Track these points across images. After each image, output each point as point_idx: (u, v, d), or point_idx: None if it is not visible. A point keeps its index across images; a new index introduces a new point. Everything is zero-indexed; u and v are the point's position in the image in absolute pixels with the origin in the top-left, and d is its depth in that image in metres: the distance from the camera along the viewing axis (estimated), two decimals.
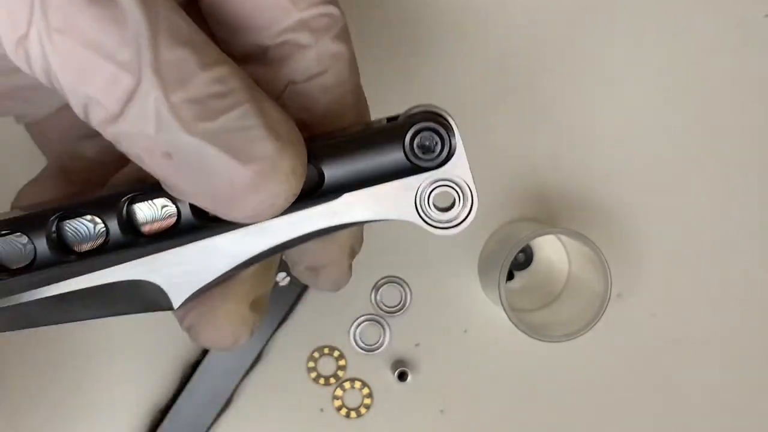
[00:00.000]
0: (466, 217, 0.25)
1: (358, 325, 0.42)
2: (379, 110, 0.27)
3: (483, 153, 0.42)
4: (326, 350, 0.41)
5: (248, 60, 0.26)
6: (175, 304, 0.24)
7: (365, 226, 0.26)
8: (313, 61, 0.25)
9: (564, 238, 0.42)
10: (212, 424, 0.40)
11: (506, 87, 0.42)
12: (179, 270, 0.23)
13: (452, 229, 0.25)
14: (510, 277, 0.42)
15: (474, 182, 0.24)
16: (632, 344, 0.42)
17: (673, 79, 0.42)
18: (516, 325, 0.37)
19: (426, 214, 0.24)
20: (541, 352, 0.41)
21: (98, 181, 0.27)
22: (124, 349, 0.41)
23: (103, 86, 0.20)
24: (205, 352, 0.40)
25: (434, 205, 0.24)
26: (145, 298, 0.24)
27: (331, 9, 0.25)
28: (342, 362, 0.41)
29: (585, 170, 0.42)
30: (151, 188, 0.23)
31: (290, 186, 0.21)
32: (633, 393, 0.42)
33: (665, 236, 0.42)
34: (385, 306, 0.42)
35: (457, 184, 0.24)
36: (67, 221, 0.23)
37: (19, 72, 0.21)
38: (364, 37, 0.41)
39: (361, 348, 0.41)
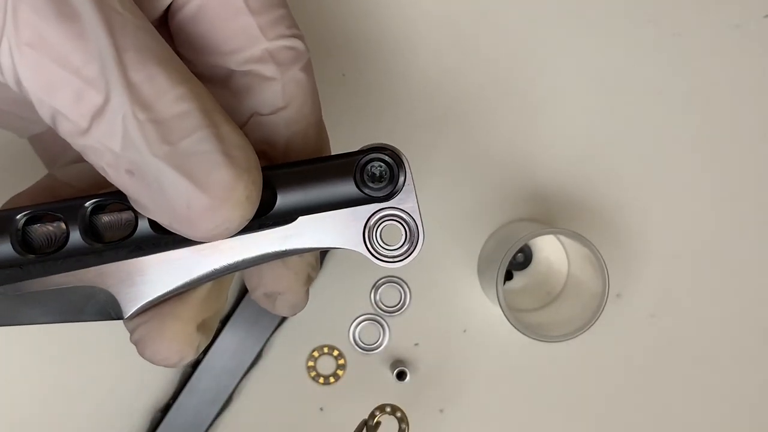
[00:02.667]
0: (411, 252, 0.26)
1: (358, 324, 0.42)
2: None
3: (482, 153, 0.42)
4: (326, 349, 0.42)
5: (212, 82, 0.26)
6: (126, 314, 0.25)
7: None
8: (278, 95, 0.26)
9: (563, 238, 0.42)
10: (212, 423, 0.40)
11: (505, 87, 0.42)
12: (134, 281, 0.24)
13: (396, 263, 0.25)
14: (509, 277, 0.42)
15: (421, 219, 0.25)
16: (631, 344, 0.42)
17: (672, 80, 0.42)
18: (513, 325, 0.37)
19: (373, 246, 0.25)
20: (540, 352, 0.42)
21: None
22: (124, 349, 0.41)
23: (69, 100, 0.21)
24: (205, 352, 0.40)
25: (381, 239, 0.25)
26: (98, 305, 0.25)
27: (297, 43, 0.26)
28: (341, 361, 0.42)
29: (584, 171, 0.42)
30: (115, 197, 0.24)
31: (244, 212, 0.22)
32: (631, 393, 0.42)
33: (664, 237, 0.42)
34: (385, 306, 0.42)
35: (405, 221, 0.25)
36: (35, 224, 0.24)
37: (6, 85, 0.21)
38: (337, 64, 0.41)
39: (361, 347, 0.42)
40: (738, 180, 0.43)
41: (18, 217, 0.24)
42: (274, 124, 0.26)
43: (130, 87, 0.21)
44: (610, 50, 0.42)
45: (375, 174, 0.25)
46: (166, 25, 0.26)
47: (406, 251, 0.25)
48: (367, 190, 0.25)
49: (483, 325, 0.42)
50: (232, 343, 0.40)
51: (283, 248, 0.25)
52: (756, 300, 0.43)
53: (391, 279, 0.42)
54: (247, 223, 0.23)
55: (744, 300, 0.43)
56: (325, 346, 0.42)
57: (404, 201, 0.25)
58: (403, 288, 0.42)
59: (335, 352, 0.42)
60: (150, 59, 0.21)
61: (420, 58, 0.41)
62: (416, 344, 0.42)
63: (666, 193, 0.42)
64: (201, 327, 0.27)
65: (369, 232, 0.25)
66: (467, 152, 0.42)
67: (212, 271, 0.25)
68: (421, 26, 0.41)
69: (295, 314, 0.30)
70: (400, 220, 0.25)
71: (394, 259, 0.25)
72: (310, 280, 0.29)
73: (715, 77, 0.42)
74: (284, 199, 0.24)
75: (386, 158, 0.24)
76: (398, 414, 0.37)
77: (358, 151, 0.25)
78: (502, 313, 0.37)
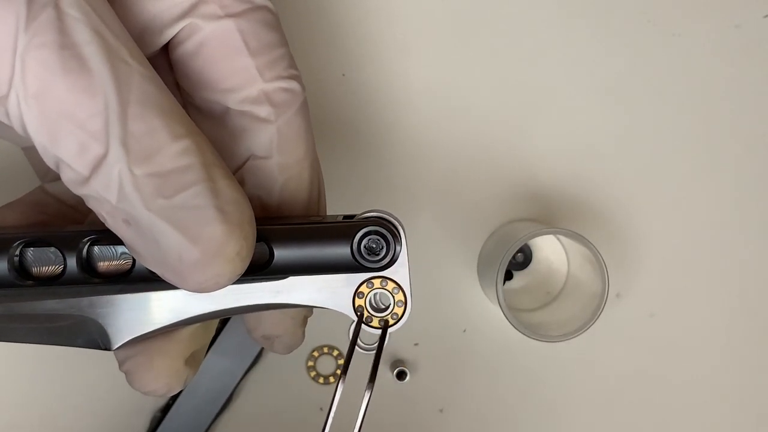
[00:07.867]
0: (398, 320, 0.27)
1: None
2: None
3: (482, 153, 0.42)
4: (325, 349, 0.42)
5: (210, 117, 0.26)
6: (114, 346, 0.25)
7: None
8: (273, 138, 0.26)
9: (563, 238, 0.42)
10: (212, 423, 0.40)
11: (505, 86, 0.42)
12: (124, 315, 0.25)
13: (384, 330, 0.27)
14: (509, 277, 0.42)
15: (411, 290, 0.26)
16: (631, 344, 0.42)
17: (672, 80, 0.42)
18: (513, 325, 0.37)
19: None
20: (539, 351, 0.42)
21: (72, 217, 0.28)
22: None
23: (73, 152, 0.21)
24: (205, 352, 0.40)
25: (370, 305, 0.26)
26: (88, 334, 0.25)
27: (294, 84, 0.26)
28: (341, 361, 0.42)
29: (584, 171, 0.42)
30: (114, 235, 0.24)
31: (234, 267, 0.23)
32: (631, 393, 0.42)
33: (664, 237, 0.42)
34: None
35: (395, 290, 0.26)
36: (31, 249, 0.24)
37: None
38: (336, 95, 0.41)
39: (361, 347, 0.41)
40: (738, 180, 0.43)
41: (15, 244, 0.24)
42: (269, 169, 0.26)
43: (129, 141, 0.21)
44: (610, 50, 0.42)
45: (372, 247, 0.25)
46: (166, 54, 0.26)
47: (394, 318, 0.27)
48: (362, 261, 0.25)
49: (483, 325, 0.42)
50: (231, 344, 0.40)
51: (274, 302, 0.26)
52: (756, 300, 0.43)
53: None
54: (237, 278, 0.23)
55: (744, 300, 0.43)
56: (325, 346, 0.42)
57: (396, 272, 0.26)
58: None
59: (335, 352, 0.42)
60: (153, 112, 0.21)
61: (420, 58, 0.41)
62: (416, 344, 0.42)
63: (666, 193, 0.42)
64: (189, 361, 0.27)
65: (359, 297, 0.26)
66: (467, 152, 0.42)
67: (202, 315, 0.26)
68: (421, 25, 0.41)
69: (290, 353, 0.31)
70: (391, 290, 0.26)
71: (380, 326, 0.27)
72: (305, 321, 0.30)
73: (715, 77, 0.42)
74: (280, 259, 0.25)
75: (384, 232, 0.25)
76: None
77: (357, 221, 0.25)
78: (502, 313, 0.37)
